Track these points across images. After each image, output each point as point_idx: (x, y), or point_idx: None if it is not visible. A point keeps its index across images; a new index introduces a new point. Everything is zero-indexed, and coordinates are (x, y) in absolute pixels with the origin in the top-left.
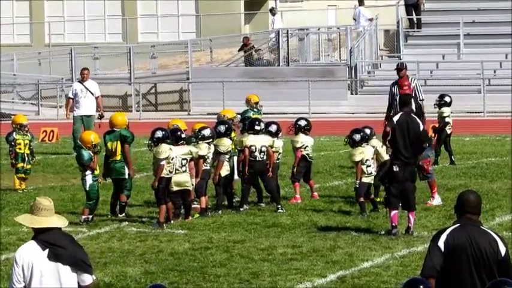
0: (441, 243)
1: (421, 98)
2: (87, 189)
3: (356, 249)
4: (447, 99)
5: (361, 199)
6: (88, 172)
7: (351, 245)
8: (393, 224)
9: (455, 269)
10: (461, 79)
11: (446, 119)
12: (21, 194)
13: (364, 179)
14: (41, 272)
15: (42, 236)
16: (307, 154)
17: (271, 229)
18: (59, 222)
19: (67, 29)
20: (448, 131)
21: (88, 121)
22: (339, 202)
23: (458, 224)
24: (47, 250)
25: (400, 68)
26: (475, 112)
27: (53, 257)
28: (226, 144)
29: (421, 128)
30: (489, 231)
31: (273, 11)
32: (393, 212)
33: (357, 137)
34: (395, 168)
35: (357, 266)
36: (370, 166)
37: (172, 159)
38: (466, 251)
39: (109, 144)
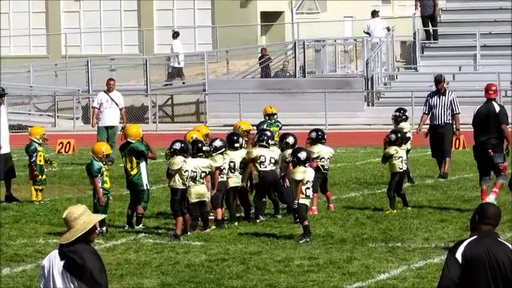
0: (459, 255)
1: (457, 112)
2: (95, 201)
3: (373, 261)
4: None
5: (306, 222)
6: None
7: (367, 257)
8: None
9: (472, 281)
10: (477, 90)
11: (408, 134)
12: (37, 205)
13: (303, 200)
14: (54, 283)
15: (64, 245)
16: (321, 165)
17: (288, 241)
18: (71, 234)
19: (83, 40)
20: (409, 146)
21: (112, 132)
22: (355, 214)
23: (476, 236)
24: (63, 261)
25: (439, 80)
26: None
27: (66, 268)
28: (232, 156)
29: None
30: (505, 242)
31: (174, 34)
32: None
33: (303, 155)
34: None
35: (374, 277)
36: (309, 188)
37: (185, 172)
38: (483, 263)
39: (123, 160)
